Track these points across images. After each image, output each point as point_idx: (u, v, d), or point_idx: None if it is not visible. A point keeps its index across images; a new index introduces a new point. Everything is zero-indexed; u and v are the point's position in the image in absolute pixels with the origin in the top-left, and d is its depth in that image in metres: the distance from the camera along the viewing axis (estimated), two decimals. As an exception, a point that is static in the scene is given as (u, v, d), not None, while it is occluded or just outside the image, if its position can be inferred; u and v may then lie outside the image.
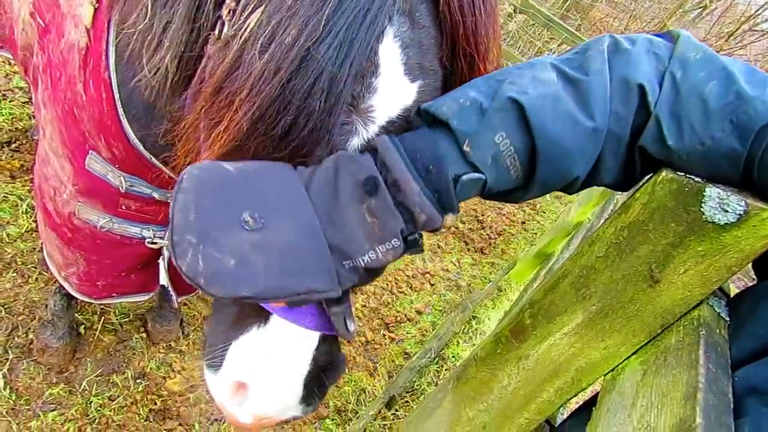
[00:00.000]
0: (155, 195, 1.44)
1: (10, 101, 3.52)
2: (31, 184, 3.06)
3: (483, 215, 5.32)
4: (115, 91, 1.22)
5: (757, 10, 8.20)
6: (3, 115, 3.38)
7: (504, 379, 1.02)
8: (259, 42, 0.78)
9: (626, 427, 0.68)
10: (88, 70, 1.22)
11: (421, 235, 0.87)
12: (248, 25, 0.80)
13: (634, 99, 0.80)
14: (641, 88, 0.79)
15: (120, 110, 1.24)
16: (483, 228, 5.18)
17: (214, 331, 0.97)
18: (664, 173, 0.78)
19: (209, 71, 0.89)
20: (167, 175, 1.38)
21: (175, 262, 0.74)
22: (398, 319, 3.70)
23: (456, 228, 4.95)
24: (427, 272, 4.27)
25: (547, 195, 6.51)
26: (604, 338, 0.88)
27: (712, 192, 0.75)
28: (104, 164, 1.35)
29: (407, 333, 3.65)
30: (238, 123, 0.79)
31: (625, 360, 0.87)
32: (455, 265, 4.56)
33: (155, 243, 1.58)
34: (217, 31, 0.91)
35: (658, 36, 0.88)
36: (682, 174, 0.77)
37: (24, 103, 3.56)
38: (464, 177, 0.81)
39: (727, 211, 0.74)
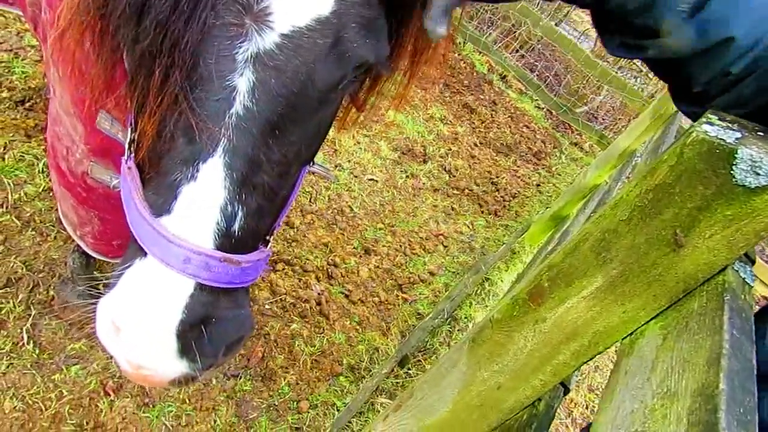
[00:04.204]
0: None
1: (23, 60, 3.50)
2: (46, 143, 3.08)
3: (498, 177, 5.27)
4: None
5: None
6: (16, 74, 3.36)
7: (520, 341, 1.01)
8: None
9: (645, 390, 0.67)
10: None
11: None
12: None
13: None
14: None
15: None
16: (497, 190, 5.13)
17: (120, 264, 0.90)
18: (694, 134, 0.75)
19: None
20: None
21: None
22: (411, 280, 3.73)
23: (470, 190, 4.91)
24: (441, 234, 4.27)
25: (563, 157, 6.41)
26: (624, 302, 0.87)
27: (744, 154, 0.72)
28: (115, 123, 1.34)
29: (420, 294, 3.68)
30: None
31: (644, 324, 0.87)
32: (469, 227, 4.55)
33: None
34: None
35: None
36: (714, 135, 0.74)
37: (36, 61, 3.53)
38: None
39: (759, 174, 0.71)
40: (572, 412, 3.55)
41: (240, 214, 0.84)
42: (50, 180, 2.83)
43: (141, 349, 0.83)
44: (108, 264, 2.72)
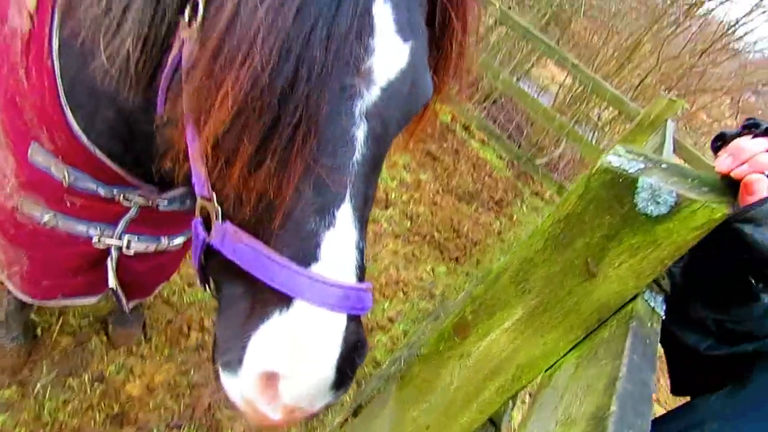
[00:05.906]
0: (101, 191, 1.39)
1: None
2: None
3: (459, 224, 5.32)
4: (58, 78, 1.18)
5: (727, 29, 8.43)
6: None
7: (446, 378, 0.99)
8: None
9: (550, 421, 0.66)
10: (31, 57, 1.18)
11: None
12: None
13: None
14: None
15: (62, 99, 1.20)
16: (459, 237, 5.17)
17: (226, 328, 0.92)
18: (599, 164, 0.77)
19: (192, 52, 0.87)
20: (113, 170, 1.34)
21: None
22: (369, 326, 3.66)
23: (432, 237, 4.93)
24: (401, 280, 4.25)
25: (524, 206, 6.54)
26: (543, 333, 0.86)
27: (645, 183, 0.74)
28: (47, 156, 1.30)
29: (378, 341, 3.61)
30: (241, 81, 0.78)
31: (564, 356, 0.86)
32: (429, 273, 4.54)
33: (102, 242, 1.52)
34: (186, 15, 0.89)
35: None
36: (617, 165, 0.77)
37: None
38: None
39: (659, 203, 0.74)
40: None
41: (364, 246, 0.94)
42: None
43: (308, 393, 0.86)
44: (45, 309, 2.59)
